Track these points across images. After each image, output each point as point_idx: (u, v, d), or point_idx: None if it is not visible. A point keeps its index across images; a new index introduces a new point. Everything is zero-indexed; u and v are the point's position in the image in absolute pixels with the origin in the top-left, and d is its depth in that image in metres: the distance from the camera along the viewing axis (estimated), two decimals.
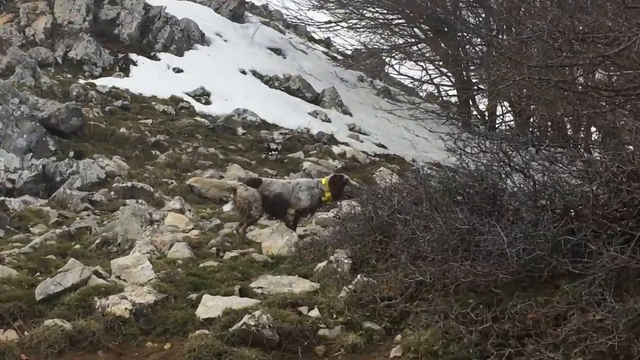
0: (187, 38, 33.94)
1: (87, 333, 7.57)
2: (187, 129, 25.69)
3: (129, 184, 18.10)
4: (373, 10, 35.01)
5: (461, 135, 12.80)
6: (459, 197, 9.41)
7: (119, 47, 32.35)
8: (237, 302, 8.22)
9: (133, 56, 32.17)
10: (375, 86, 36.74)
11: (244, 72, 33.00)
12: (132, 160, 22.02)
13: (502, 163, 9.41)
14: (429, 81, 34.95)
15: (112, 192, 17.85)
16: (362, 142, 28.40)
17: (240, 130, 26.49)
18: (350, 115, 31.51)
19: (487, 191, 9.19)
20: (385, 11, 34.66)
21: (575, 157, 9.65)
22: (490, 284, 7.85)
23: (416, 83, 35.66)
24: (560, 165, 9.21)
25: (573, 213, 8.15)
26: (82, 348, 7.50)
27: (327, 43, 40.95)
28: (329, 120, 29.85)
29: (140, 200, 16.53)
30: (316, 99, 32.12)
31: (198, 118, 27.34)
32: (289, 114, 29.28)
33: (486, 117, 31.06)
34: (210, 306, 8.11)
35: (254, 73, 33.25)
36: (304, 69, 35.06)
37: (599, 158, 9.17)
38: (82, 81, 28.91)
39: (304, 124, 28.11)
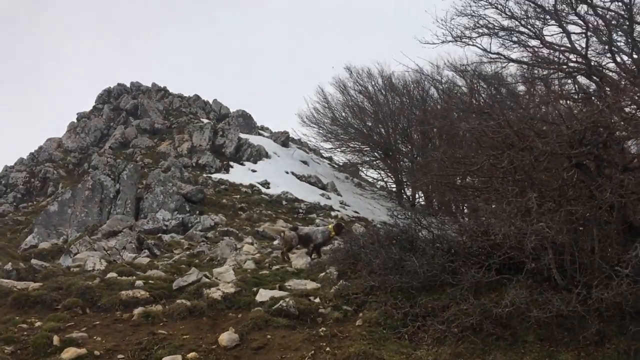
0: (258, 154, 34.04)
1: (198, 307, 7.39)
2: (257, 201, 25.56)
3: (225, 228, 17.88)
4: (353, 143, 35.25)
5: (396, 208, 12.73)
6: (394, 241, 9.26)
7: (224, 158, 32.47)
8: (278, 293, 7.99)
9: (231, 163, 32.29)
10: (353, 181, 36.70)
11: (287, 173, 32.99)
12: (228, 216, 21.87)
13: (416, 223, 9.29)
14: (381, 180, 35.13)
15: (217, 232, 17.57)
16: (346, 210, 28.18)
17: (284, 202, 26.33)
18: (341, 196, 31.31)
19: (408, 238, 9.06)
20: (359, 143, 34.86)
21: (454, 222, 9.53)
22: (409, 287, 7.66)
23: (375, 181, 35.99)
24: (447, 225, 9.08)
25: (453, 251, 8.02)
26: (195, 315, 7.32)
27: (330, 158, 40.96)
28: (329, 198, 29.65)
29: (230, 237, 16.33)
30: (324, 187, 31.99)
31: (263, 196, 27.21)
32: (309, 195, 29.11)
33: (410, 199, 30.87)
34: (263, 295, 7.88)
35: (293, 173, 33.22)
36: (318, 171, 35.07)
37: (466, 222, 9.04)
38: (205, 175, 28.96)
39: (317, 200, 27.97)
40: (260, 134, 42.15)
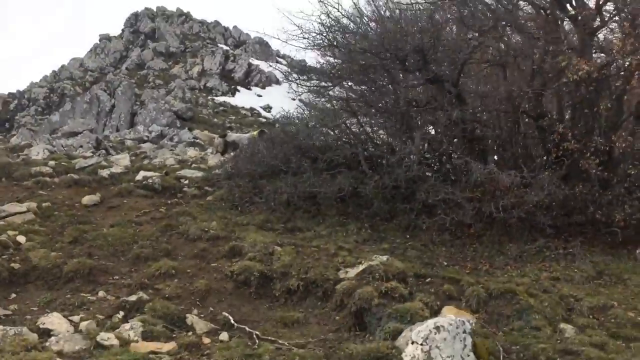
0: (268, 80, 35.33)
1: (83, 180, 9.15)
2: (250, 122, 27.18)
3: (193, 140, 19.35)
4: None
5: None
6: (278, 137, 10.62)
7: (232, 83, 33.99)
8: (152, 173, 9.57)
9: (239, 88, 33.78)
10: None
11: (293, 99, 34.15)
12: (216, 133, 23.51)
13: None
14: None
15: (186, 144, 19.02)
16: None
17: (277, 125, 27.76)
18: None
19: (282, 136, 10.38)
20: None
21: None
22: (255, 174, 9.16)
23: None
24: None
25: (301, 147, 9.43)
26: (80, 186, 9.03)
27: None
28: None
29: (196, 148, 17.54)
30: None
31: (260, 118, 28.79)
32: None
33: None
34: (141, 175, 9.44)
35: (301, 100, 34.36)
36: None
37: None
38: (209, 97, 30.70)
39: None
40: (278, 62, 43.20)
